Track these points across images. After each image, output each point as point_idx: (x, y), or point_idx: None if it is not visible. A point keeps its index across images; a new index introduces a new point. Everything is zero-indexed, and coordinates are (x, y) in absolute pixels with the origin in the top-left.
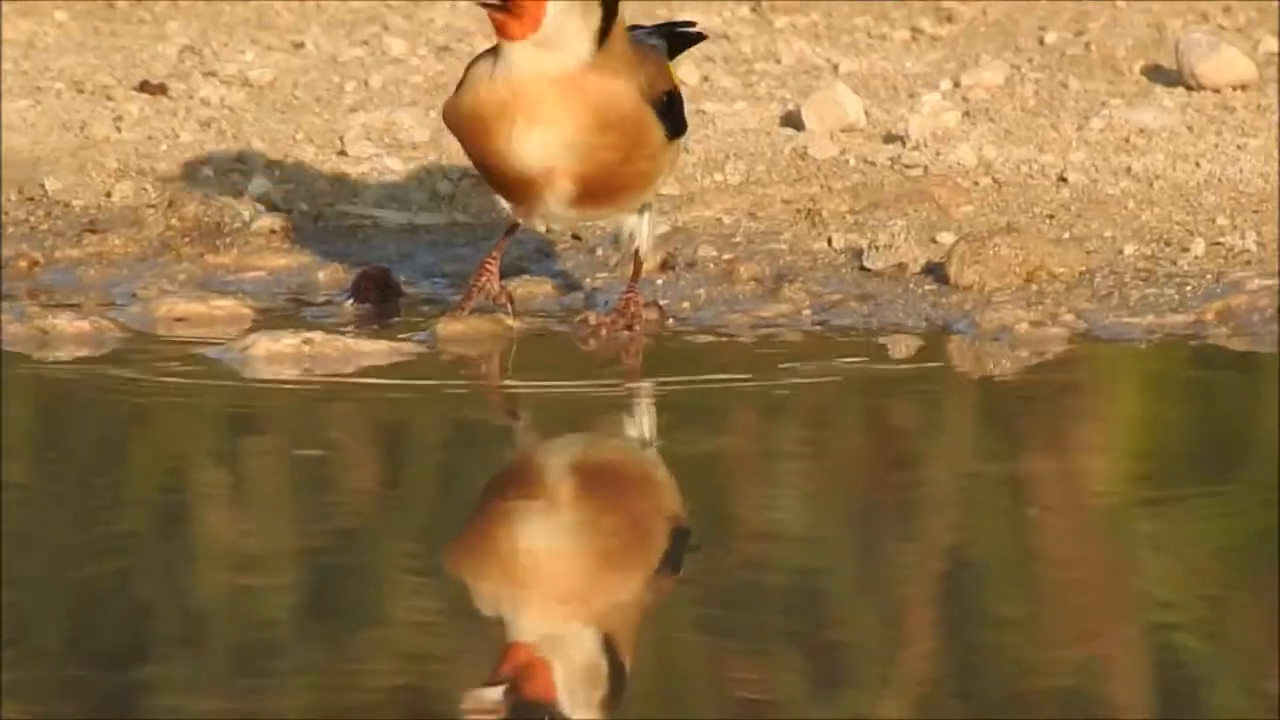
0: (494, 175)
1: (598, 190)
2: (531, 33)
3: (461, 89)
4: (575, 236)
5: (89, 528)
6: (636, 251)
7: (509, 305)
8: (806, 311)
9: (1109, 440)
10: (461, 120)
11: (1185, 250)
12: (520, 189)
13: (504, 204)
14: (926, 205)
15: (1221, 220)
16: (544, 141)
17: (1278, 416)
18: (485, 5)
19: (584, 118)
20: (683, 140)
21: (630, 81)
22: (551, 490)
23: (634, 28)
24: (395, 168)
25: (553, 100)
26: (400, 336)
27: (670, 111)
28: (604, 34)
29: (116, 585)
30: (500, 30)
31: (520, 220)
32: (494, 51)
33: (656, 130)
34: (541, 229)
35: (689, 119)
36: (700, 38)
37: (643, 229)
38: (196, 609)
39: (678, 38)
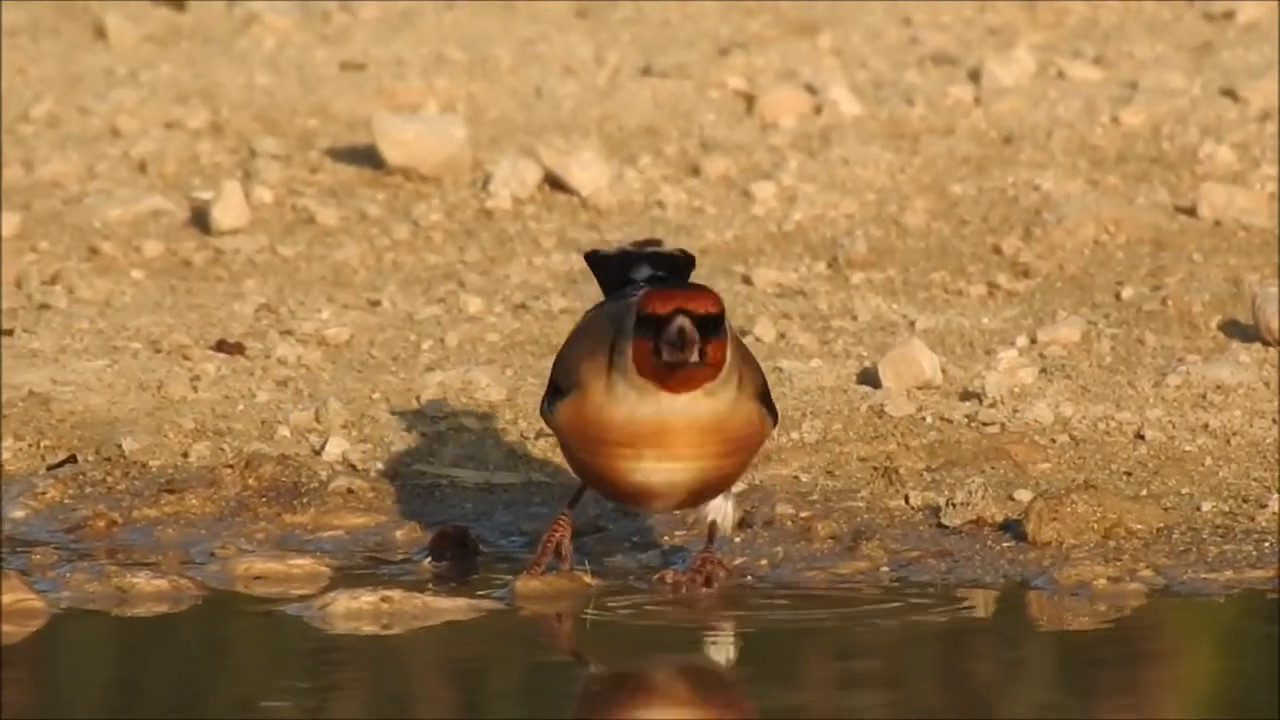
0: (605, 483)
1: (706, 494)
2: (711, 381)
3: (584, 401)
4: None
5: None
6: (713, 523)
7: (586, 565)
8: (884, 568)
9: (1187, 694)
10: (586, 436)
11: (1263, 506)
12: (629, 500)
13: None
14: (1003, 463)
15: None
16: (674, 470)
17: None
18: (691, 364)
19: (720, 449)
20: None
21: (754, 400)
22: None
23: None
24: (472, 427)
25: (696, 439)
26: (478, 594)
27: (769, 401)
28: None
29: None
30: (681, 384)
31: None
32: (615, 356)
33: (768, 428)
34: None
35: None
36: (688, 261)
37: (728, 513)
38: None
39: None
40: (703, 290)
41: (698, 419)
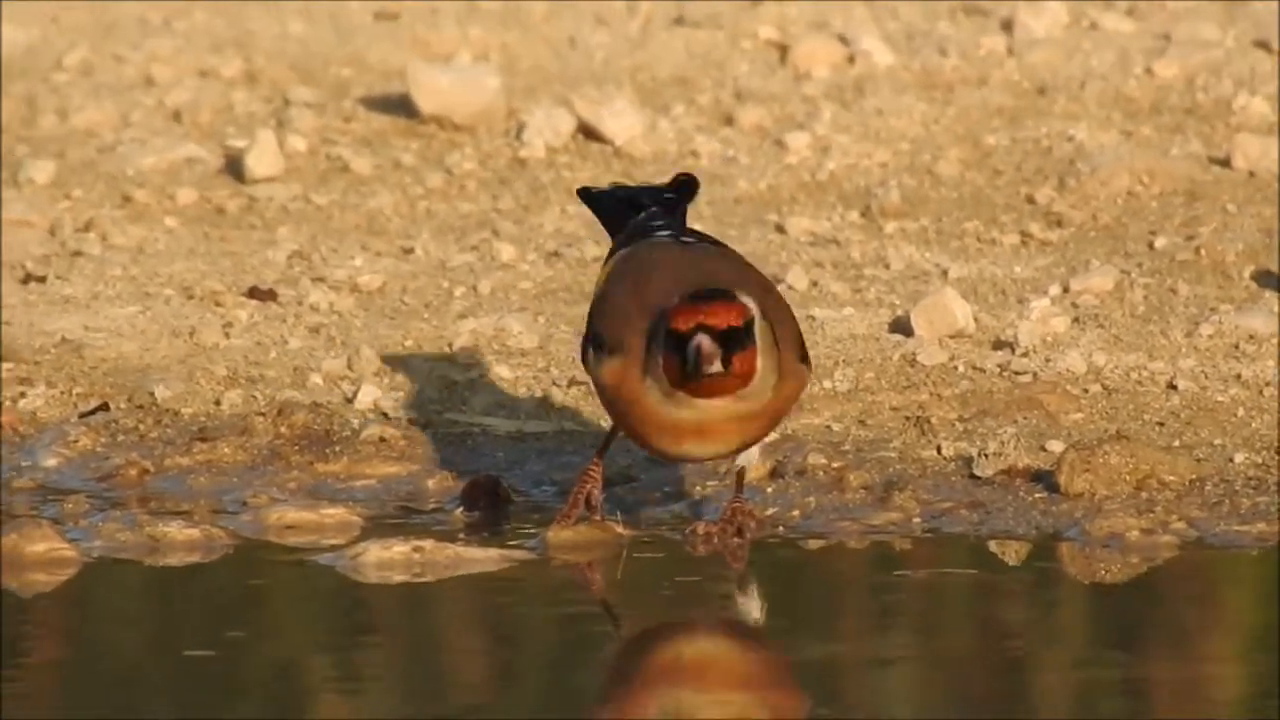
0: (645, 446)
1: (740, 449)
2: (742, 388)
3: (624, 382)
4: None
5: None
6: (741, 468)
7: (618, 515)
8: (917, 519)
9: (1221, 646)
10: (627, 415)
11: None
12: (669, 456)
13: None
14: (1036, 413)
15: None
16: (714, 448)
17: None
18: (711, 375)
19: (762, 428)
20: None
21: (792, 375)
22: (670, 699)
23: (617, 187)
24: (504, 375)
25: (736, 427)
26: (510, 544)
27: (801, 345)
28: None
29: None
30: (708, 392)
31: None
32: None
33: (806, 381)
34: None
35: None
36: (695, 185)
37: (753, 452)
38: None
39: (685, 199)
40: (728, 300)
41: (737, 414)
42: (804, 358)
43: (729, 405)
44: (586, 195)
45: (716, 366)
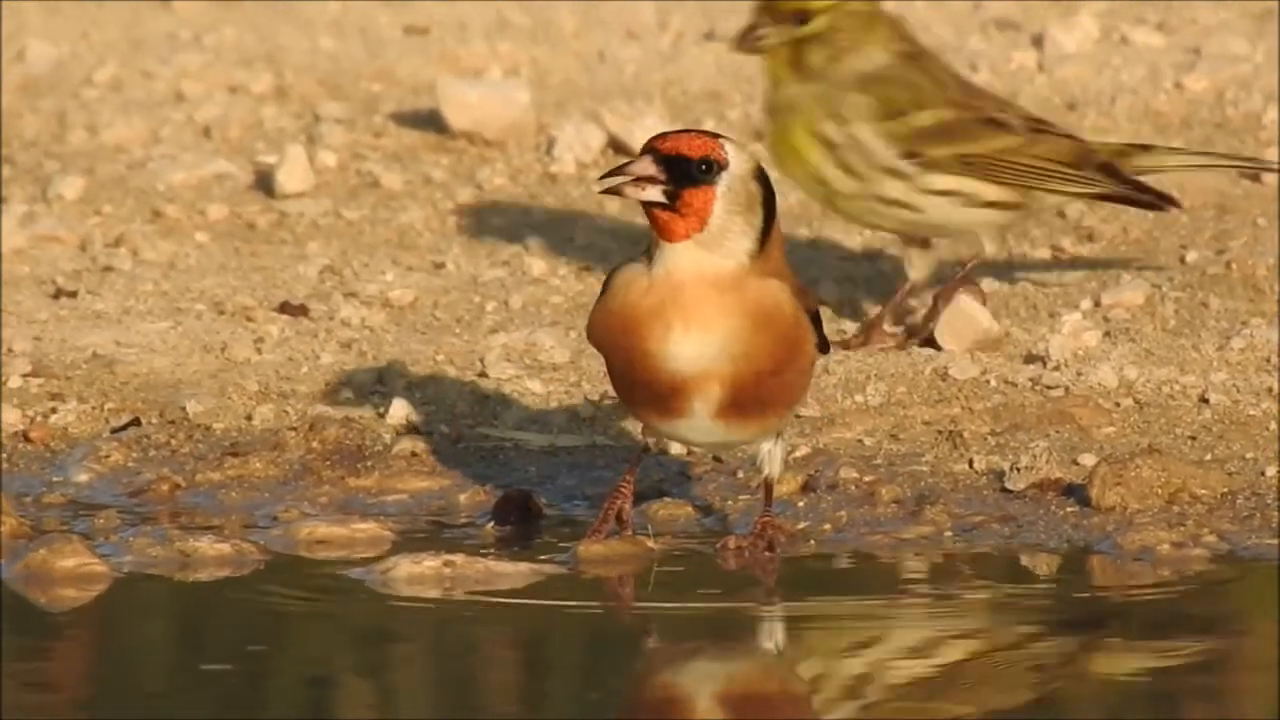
0: (642, 383)
1: (746, 401)
2: (696, 232)
3: (609, 295)
4: (716, 459)
5: None
6: (767, 478)
7: (649, 529)
8: (948, 533)
9: (1254, 659)
10: (612, 326)
11: None
12: (668, 397)
13: (639, 425)
14: (1067, 426)
15: None
16: (701, 344)
17: None
18: (651, 204)
19: (743, 320)
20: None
21: (787, 286)
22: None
23: None
24: (536, 389)
25: (712, 302)
26: (541, 558)
27: (819, 325)
28: (764, 235)
29: None
30: (663, 230)
31: (651, 444)
32: (644, 258)
33: (810, 339)
34: (681, 451)
35: (831, 337)
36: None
37: (775, 456)
38: None
39: None
40: (695, 133)
41: (705, 274)
42: (819, 330)
43: (692, 259)
44: None
45: (651, 194)
